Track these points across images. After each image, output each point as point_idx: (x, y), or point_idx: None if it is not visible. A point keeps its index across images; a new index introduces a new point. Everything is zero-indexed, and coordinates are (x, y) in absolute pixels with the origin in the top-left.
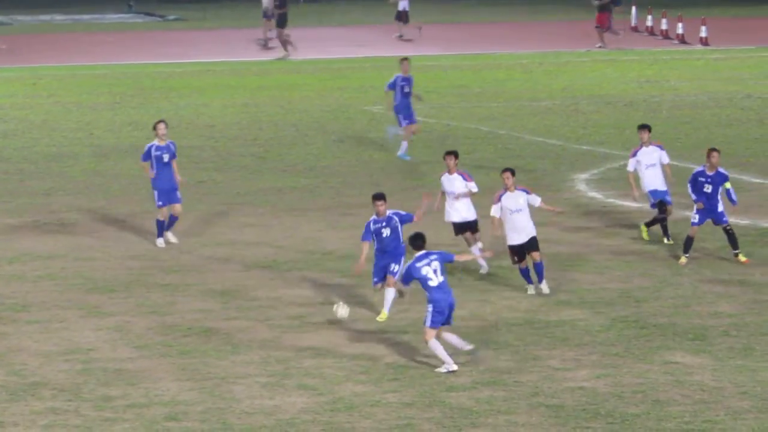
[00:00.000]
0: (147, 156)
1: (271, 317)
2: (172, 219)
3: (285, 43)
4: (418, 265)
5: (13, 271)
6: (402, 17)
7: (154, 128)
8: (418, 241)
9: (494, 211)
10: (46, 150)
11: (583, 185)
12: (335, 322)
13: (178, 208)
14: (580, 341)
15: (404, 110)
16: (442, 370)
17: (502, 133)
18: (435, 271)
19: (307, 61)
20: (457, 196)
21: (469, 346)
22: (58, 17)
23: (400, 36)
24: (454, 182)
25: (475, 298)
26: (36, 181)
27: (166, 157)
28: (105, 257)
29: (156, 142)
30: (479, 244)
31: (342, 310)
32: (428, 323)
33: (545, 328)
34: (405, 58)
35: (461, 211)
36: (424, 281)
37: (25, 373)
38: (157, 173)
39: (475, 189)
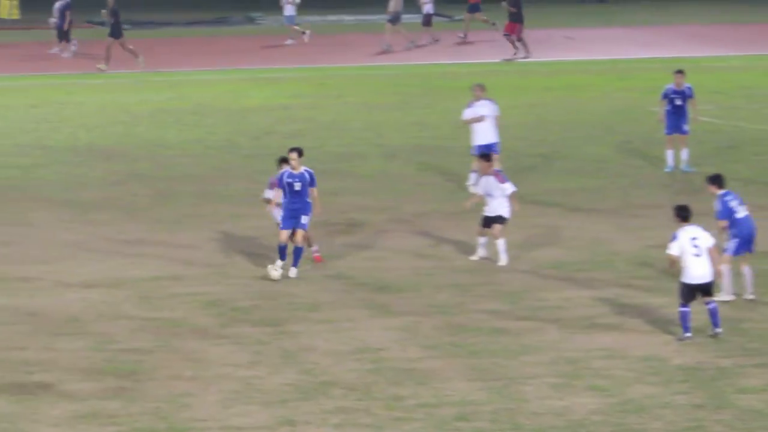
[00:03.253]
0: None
1: (560, 318)
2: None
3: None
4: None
5: (303, 270)
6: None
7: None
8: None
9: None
10: (334, 150)
11: None
12: (622, 325)
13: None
14: None
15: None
16: (721, 298)
17: None
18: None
19: (594, 61)
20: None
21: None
22: (347, 18)
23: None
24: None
25: None
26: (325, 181)
27: (297, 186)
28: (393, 257)
29: (288, 169)
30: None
31: (274, 272)
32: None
33: None
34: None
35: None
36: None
37: (316, 372)
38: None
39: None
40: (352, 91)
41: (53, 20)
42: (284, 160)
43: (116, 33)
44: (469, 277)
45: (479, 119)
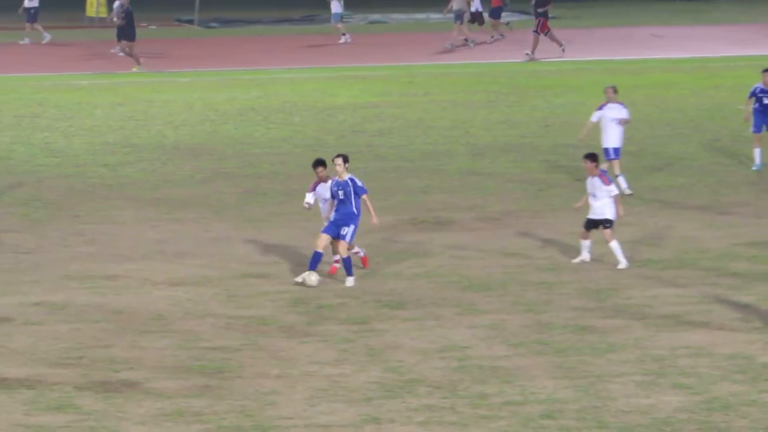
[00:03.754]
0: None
1: (646, 315)
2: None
3: (133, 56)
4: None
5: (389, 268)
6: (477, 18)
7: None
8: None
9: None
10: (422, 148)
11: None
12: (709, 323)
13: (342, 245)
14: None
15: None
16: None
17: None
18: None
19: (683, 59)
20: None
21: None
22: (434, 16)
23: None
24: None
25: None
26: (412, 179)
27: (341, 194)
28: (480, 255)
29: (336, 177)
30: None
31: (311, 278)
32: None
33: None
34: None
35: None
36: None
37: (401, 370)
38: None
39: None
40: (439, 89)
41: (116, 19)
42: (319, 163)
43: (130, 35)
44: (556, 275)
45: (624, 122)
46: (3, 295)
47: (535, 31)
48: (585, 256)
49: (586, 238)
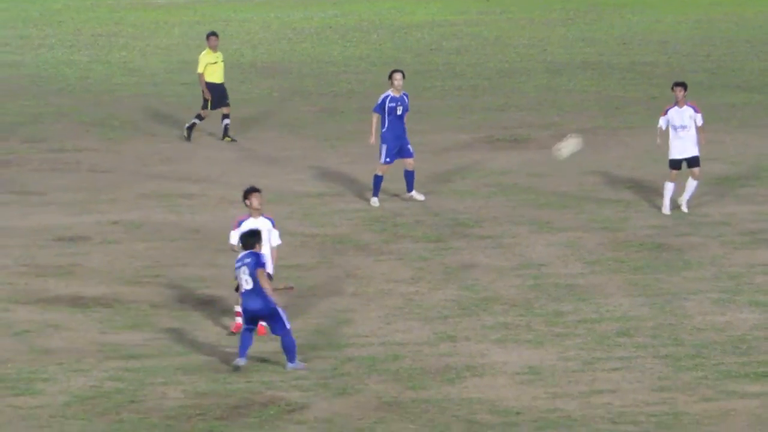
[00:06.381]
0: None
1: (723, 233)
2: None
3: None
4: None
5: (465, 186)
6: None
7: (390, 77)
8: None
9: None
10: (499, 66)
11: None
12: None
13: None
14: None
15: None
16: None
17: None
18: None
19: None
20: None
21: None
22: None
23: None
24: None
25: None
26: (489, 96)
27: (399, 110)
28: (557, 173)
29: (391, 92)
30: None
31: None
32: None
33: None
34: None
35: None
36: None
37: (477, 288)
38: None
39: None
40: (516, 7)
41: None
42: (253, 190)
43: None
44: (633, 193)
45: None
46: (80, 213)
47: None
48: (667, 206)
49: (674, 179)
